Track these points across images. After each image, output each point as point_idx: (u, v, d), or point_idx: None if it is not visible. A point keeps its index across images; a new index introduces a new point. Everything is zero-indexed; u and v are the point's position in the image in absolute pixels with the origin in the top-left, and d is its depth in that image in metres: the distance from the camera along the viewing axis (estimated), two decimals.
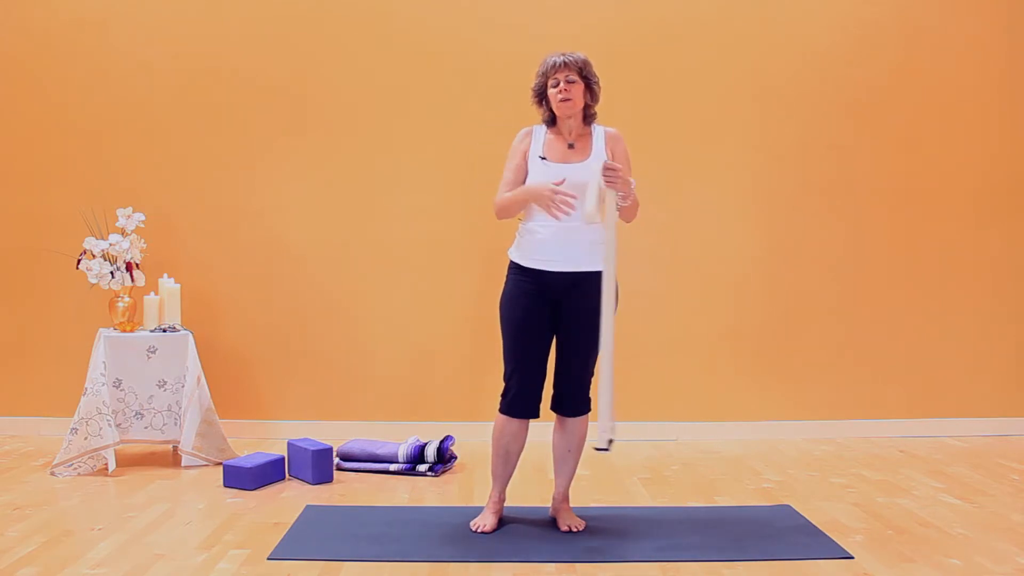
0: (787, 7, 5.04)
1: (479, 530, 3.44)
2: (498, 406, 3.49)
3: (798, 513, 3.67)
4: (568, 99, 3.38)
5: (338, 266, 5.02)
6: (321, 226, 5.03)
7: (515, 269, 3.47)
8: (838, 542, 3.31)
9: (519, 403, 3.44)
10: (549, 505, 3.65)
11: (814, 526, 3.50)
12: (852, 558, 3.16)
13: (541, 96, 3.48)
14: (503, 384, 3.48)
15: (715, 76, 5.04)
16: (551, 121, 3.49)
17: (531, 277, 3.42)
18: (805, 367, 5.09)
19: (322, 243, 5.03)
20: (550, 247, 3.38)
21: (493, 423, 3.51)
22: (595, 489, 4.08)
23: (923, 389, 5.12)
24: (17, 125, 5.03)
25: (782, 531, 3.46)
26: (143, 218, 4.68)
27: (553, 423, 3.55)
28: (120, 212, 4.64)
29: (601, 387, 3.30)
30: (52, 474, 4.23)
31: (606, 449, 3.31)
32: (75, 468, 4.26)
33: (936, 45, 5.08)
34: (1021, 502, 3.84)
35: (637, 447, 4.88)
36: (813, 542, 3.32)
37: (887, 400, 5.11)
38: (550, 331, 3.46)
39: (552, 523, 3.55)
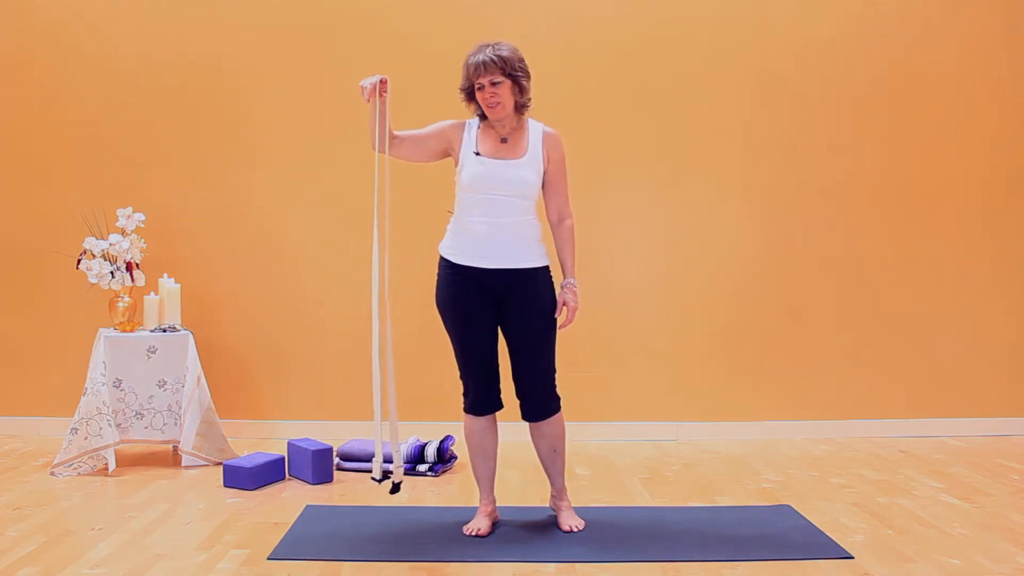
0: (786, 5, 5.04)
1: (473, 534, 3.41)
2: (462, 406, 3.47)
3: (798, 513, 3.67)
4: (497, 103, 3.28)
5: (338, 266, 5.02)
6: (321, 226, 5.03)
7: (448, 267, 3.39)
8: (838, 542, 3.31)
9: (481, 401, 3.43)
10: (548, 504, 3.64)
11: (814, 526, 3.50)
12: (852, 558, 3.16)
13: (470, 96, 3.35)
14: (461, 384, 3.46)
15: (713, 74, 5.04)
16: (484, 115, 3.38)
17: (469, 275, 3.34)
18: (805, 367, 5.09)
19: (322, 242, 5.03)
20: (488, 244, 3.32)
21: (465, 429, 3.49)
22: (595, 489, 4.08)
23: (923, 389, 5.12)
24: (17, 125, 5.03)
25: (782, 531, 3.46)
26: (143, 218, 4.68)
27: (528, 428, 3.51)
28: (120, 212, 4.64)
29: (390, 416, 3.25)
30: (52, 474, 4.23)
31: (397, 487, 3.23)
32: (75, 468, 4.26)
33: (936, 42, 5.08)
34: (1021, 502, 3.84)
35: (637, 447, 4.88)
36: (813, 542, 3.32)
37: (887, 400, 5.11)
38: (495, 325, 3.42)
39: (553, 522, 3.55)
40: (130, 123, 5.01)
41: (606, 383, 5.03)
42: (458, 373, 3.47)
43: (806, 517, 3.61)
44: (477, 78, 3.28)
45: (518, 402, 3.48)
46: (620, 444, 4.94)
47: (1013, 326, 5.14)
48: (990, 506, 3.78)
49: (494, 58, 3.25)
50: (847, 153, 5.08)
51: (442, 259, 3.43)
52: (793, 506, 3.77)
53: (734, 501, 3.90)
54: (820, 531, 3.44)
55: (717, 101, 5.05)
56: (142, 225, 4.70)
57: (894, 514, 3.67)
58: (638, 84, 5.02)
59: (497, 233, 3.32)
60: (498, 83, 3.27)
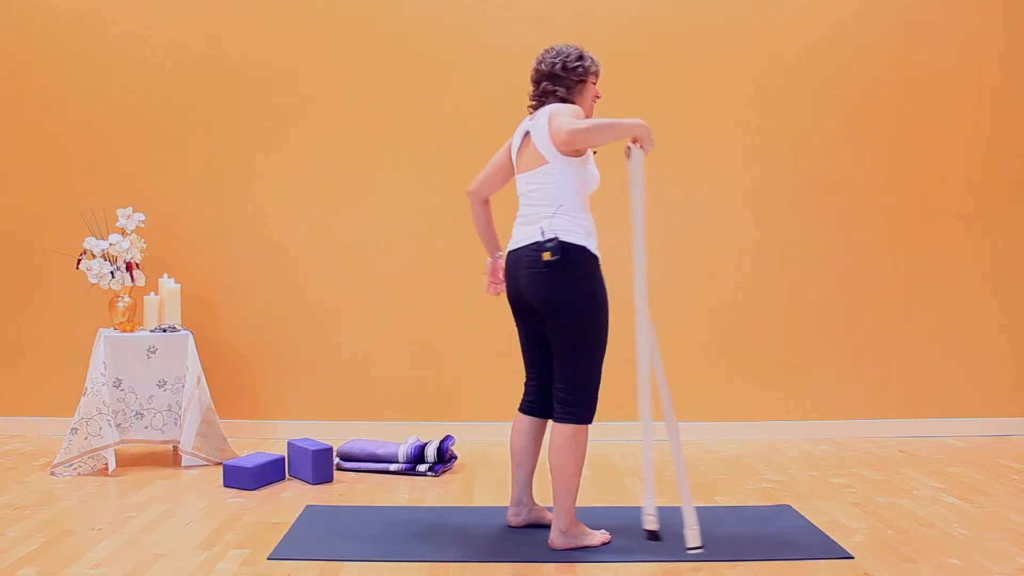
0: (786, 5, 5.04)
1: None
2: (583, 418, 3.26)
3: (798, 513, 3.67)
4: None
5: (338, 265, 5.02)
6: (321, 226, 5.03)
7: (596, 262, 3.21)
8: (838, 542, 3.31)
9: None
10: (547, 506, 3.60)
11: (814, 526, 3.50)
12: (852, 558, 3.16)
13: (582, 81, 3.29)
14: (590, 397, 3.30)
15: (713, 74, 5.04)
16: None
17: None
18: (805, 367, 5.09)
19: (322, 243, 5.03)
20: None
21: (581, 442, 3.25)
22: (595, 489, 4.08)
23: (923, 389, 5.12)
24: (17, 124, 5.03)
25: (782, 531, 3.46)
26: (143, 218, 4.68)
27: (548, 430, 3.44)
28: (120, 212, 4.64)
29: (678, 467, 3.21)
30: (52, 474, 4.23)
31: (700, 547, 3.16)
32: (75, 468, 4.26)
33: (935, 42, 5.08)
34: (1021, 502, 3.84)
35: (637, 447, 4.88)
36: (813, 542, 3.32)
37: (887, 400, 5.11)
38: None
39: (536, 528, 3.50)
40: (130, 123, 5.01)
41: (606, 383, 5.00)
42: (592, 379, 3.32)
43: (806, 517, 3.61)
44: (597, 77, 3.35)
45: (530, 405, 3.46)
46: (620, 444, 4.94)
47: (1013, 326, 5.15)
48: (990, 506, 3.78)
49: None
50: (848, 153, 5.08)
51: (591, 254, 3.19)
52: (793, 506, 3.77)
53: (734, 501, 3.90)
54: (820, 531, 3.44)
55: (718, 101, 5.05)
56: (142, 225, 4.70)
57: (894, 514, 3.67)
58: (639, 84, 5.02)
59: None
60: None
